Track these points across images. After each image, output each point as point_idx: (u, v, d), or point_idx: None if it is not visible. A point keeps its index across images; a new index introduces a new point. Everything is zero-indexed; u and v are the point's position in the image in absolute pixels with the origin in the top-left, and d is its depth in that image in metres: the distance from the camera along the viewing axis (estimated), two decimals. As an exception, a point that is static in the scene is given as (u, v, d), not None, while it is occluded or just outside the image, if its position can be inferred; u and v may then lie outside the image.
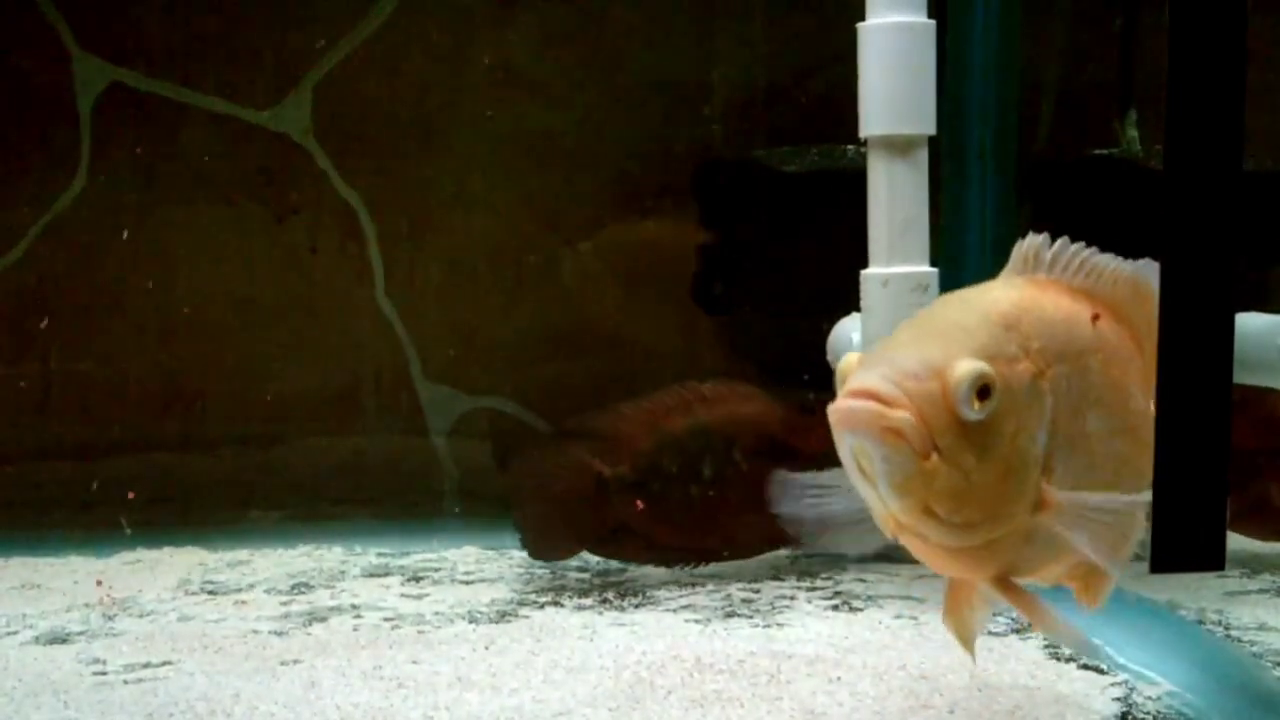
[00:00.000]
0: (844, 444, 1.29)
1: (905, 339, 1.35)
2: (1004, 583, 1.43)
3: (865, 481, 1.32)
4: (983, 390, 1.28)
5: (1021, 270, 1.46)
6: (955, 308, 1.40)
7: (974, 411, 1.27)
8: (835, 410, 1.27)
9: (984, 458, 1.30)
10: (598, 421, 2.29)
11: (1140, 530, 1.48)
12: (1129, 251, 1.81)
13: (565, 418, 2.39)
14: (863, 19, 2.09)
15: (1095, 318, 1.47)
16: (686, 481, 2.26)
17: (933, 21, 2.08)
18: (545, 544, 2.30)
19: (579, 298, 2.82)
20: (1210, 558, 1.28)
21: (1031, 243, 1.46)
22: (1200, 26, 1.48)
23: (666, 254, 2.79)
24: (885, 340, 1.37)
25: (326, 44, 2.74)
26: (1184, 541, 1.28)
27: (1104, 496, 1.38)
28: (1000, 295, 1.41)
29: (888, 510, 1.34)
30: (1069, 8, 2.78)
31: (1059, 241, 1.46)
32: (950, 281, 2.18)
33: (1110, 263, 1.49)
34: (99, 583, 2.29)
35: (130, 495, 2.60)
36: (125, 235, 2.73)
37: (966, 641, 1.53)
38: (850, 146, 2.57)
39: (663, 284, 2.80)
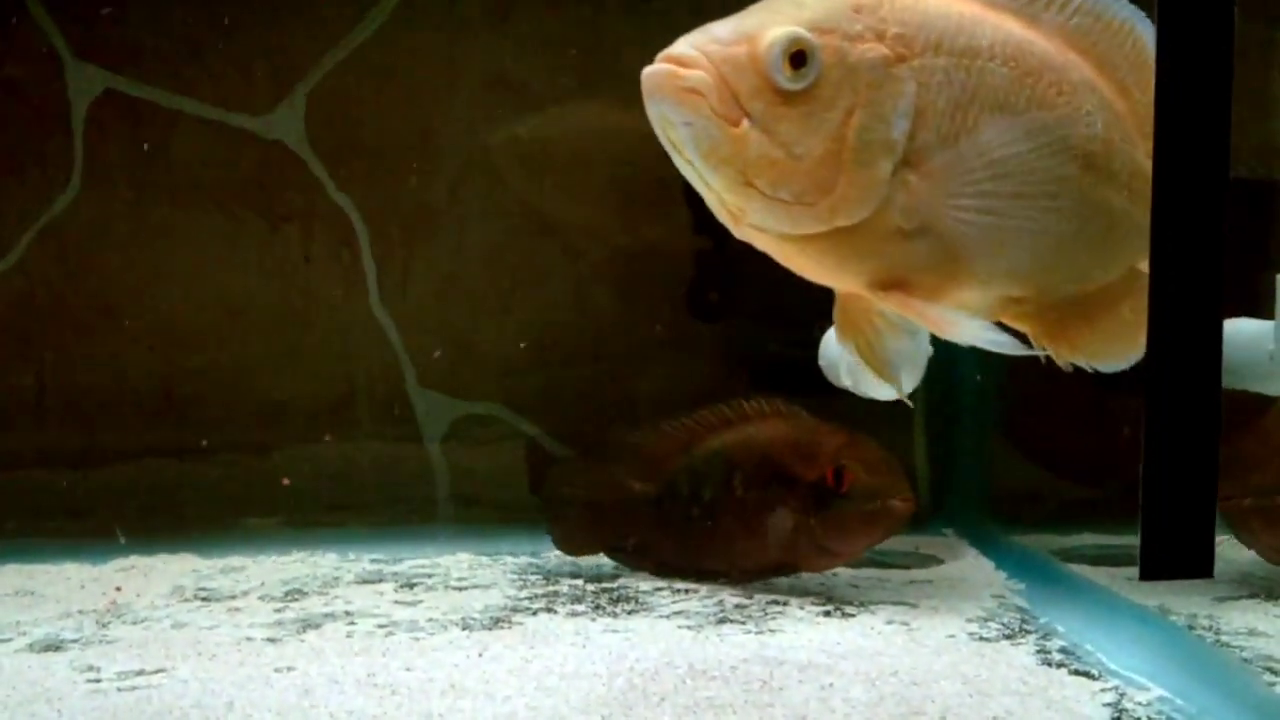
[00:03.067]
0: (653, 115, 1.26)
1: (736, 16, 1.31)
2: (888, 292, 1.37)
3: (684, 162, 1.28)
4: (797, 57, 1.24)
5: None
6: None
7: (787, 78, 1.23)
8: (643, 77, 1.25)
9: (808, 131, 1.25)
10: (642, 437, 2.40)
11: (1061, 254, 1.43)
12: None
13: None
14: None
15: None
16: (692, 503, 2.32)
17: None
18: (569, 545, 2.45)
19: (573, 305, 2.83)
20: (1199, 565, 1.29)
21: None
22: (1188, 36, 1.49)
23: (660, 262, 2.79)
24: None
25: (320, 52, 2.74)
26: (1173, 549, 1.30)
27: (979, 163, 1.33)
28: None
29: (710, 190, 1.29)
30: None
31: None
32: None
33: None
34: (118, 589, 2.29)
35: (125, 507, 2.62)
36: (119, 242, 2.74)
37: (880, 369, 1.48)
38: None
39: (657, 292, 2.80)
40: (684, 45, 1.25)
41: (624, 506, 2.39)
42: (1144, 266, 1.59)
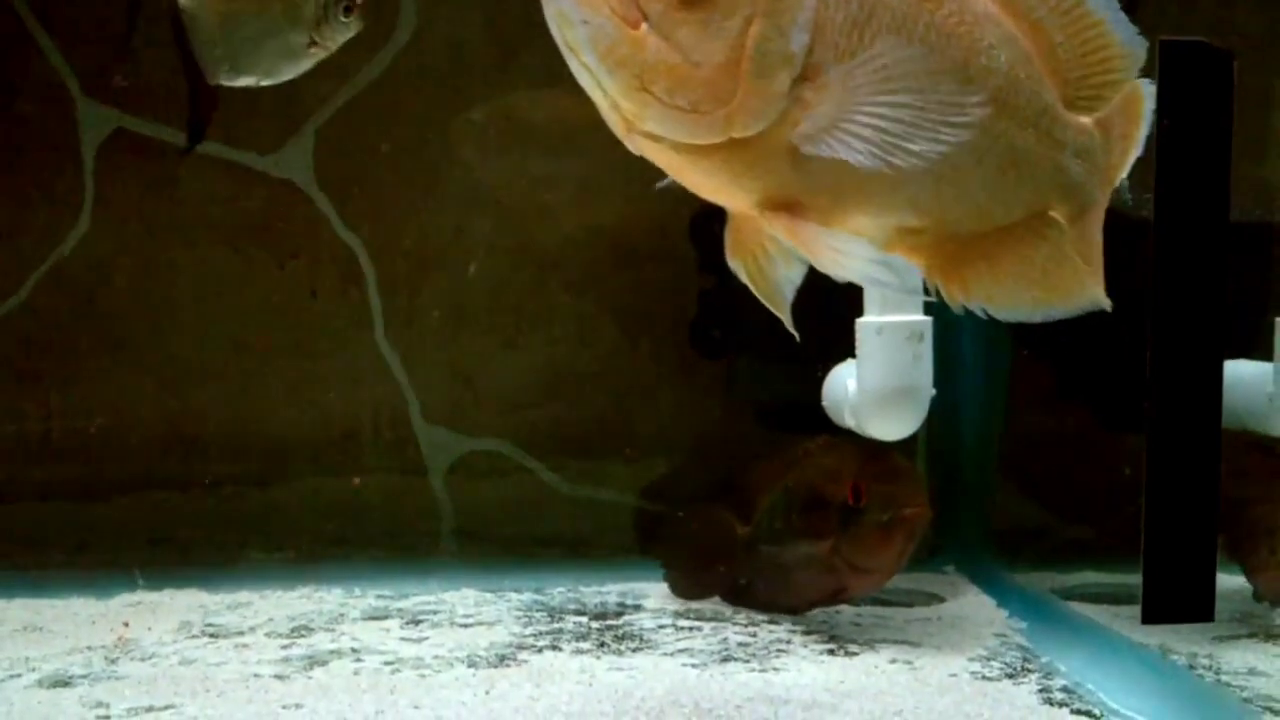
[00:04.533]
0: (551, 17, 1.24)
1: None
2: (777, 214, 1.34)
3: (579, 66, 1.25)
4: None
5: None
6: None
7: None
8: None
9: (706, 37, 1.23)
10: (742, 476, 2.43)
11: (959, 185, 1.41)
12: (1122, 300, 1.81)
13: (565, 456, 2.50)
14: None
15: None
16: (770, 539, 2.34)
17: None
18: (682, 592, 2.49)
19: (577, 341, 2.85)
20: (1200, 609, 1.31)
21: None
22: (1188, 83, 1.52)
23: (664, 299, 2.81)
24: None
25: (329, 91, 2.77)
26: (1174, 592, 1.31)
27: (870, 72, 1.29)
28: None
29: (605, 95, 1.26)
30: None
31: None
32: (943, 328, 2.22)
33: None
34: (126, 624, 2.31)
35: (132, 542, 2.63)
36: (128, 279, 2.76)
37: (770, 295, 1.44)
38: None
39: (661, 329, 2.83)
40: None
41: (727, 549, 2.41)
42: (1057, 214, 1.56)
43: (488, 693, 1.86)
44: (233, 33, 2.20)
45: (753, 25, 1.24)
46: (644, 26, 1.21)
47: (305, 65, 2.25)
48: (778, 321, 1.49)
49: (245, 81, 2.25)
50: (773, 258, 1.43)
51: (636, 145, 1.32)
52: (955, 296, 1.50)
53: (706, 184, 1.35)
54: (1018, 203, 1.50)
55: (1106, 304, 1.55)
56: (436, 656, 2.09)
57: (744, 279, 1.44)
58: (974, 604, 2.48)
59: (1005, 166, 1.43)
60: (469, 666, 2.03)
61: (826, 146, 1.29)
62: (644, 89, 1.24)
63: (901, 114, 1.32)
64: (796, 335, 1.46)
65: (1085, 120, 1.54)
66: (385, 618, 2.38)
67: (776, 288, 1.43)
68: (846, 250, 1.34)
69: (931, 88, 1.35)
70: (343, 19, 2.20)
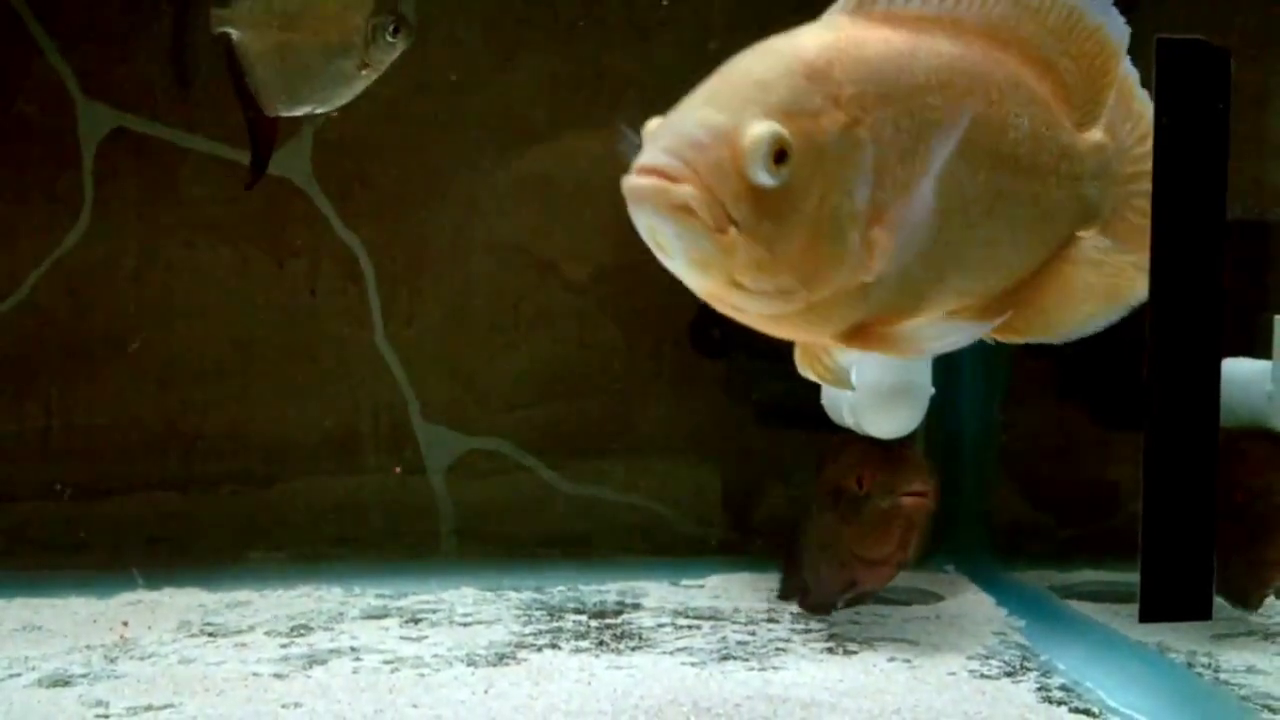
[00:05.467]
0: (639, 222, 1.21)
1: (698, 97, 1.25)
2: (856, 338, 1.35)
3: (668, 259, 1.24)
4: (779, 154, 1.19)
5: (853, 8, 1.33)
6: (755, 58, 1.29)
7: (770, 177, 1.19)
8: (626, 188, 1.20)
9: (788, 223, 1.21)
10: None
11: (1002, 257, 1.42)
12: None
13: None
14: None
15: None
16: (804, 538, 2.35)
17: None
18: (809, 607, 2.40)
19: (576, 340, 2.85)
20: (1197, 607, 1.31)
21: None
22: (1185, 81, 1.52)
23: (663, 298, 2.81)
24: (685, 98, 1.27)
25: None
26: (1171, 591, 1.31)
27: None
28: (809, 41, 1.29)
29: (693, 282, 1.26)
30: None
31: None
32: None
33: None
34: (125, 623, 2.31)
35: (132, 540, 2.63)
36: (128, 278, 2.76)
37: (838, 383, 1.48)
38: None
39: (660, 328, 2.83)
40: (664, 154, 1.20)
41: (792, 554, 2.41)
42: (1084, 233, 1.58)
43: (487, 691, 1.87)
44: (287, 62, 2.20)
45: (826, 199, 1.23)
46: (732, 230, 1.19)
47: (358, 88, 2.25)
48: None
49: (302, 110, 2.26)
50: (834, 354, 1.45)
51: (720, 309, 1.33)
52: (1014, 339, 1.53)
53: (787, 331, 1.37)
54: (1051, 243, 1.53)
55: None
56: (436, 655, 2.09)
57: (813, 378, 1.46)
58: (973, 602, 2.48)
59: (1039, 220, 1.45)
60: (468, 665, 2.03)
61: (892, 273, 1.30)
62: (732, 284, 1.24)
63: (955, 223, 1.34)
64: (853, 389, 1.50)
65: (1097, 135, 1.53)
66: (384, 617, 2.38)
67: (840, 375, 1.46)
68: (915, 340, 1.37)
69: (975, 188, 1.36)
70: (389, 38, 2.20)
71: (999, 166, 1.39)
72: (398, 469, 2.80)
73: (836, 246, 1.25)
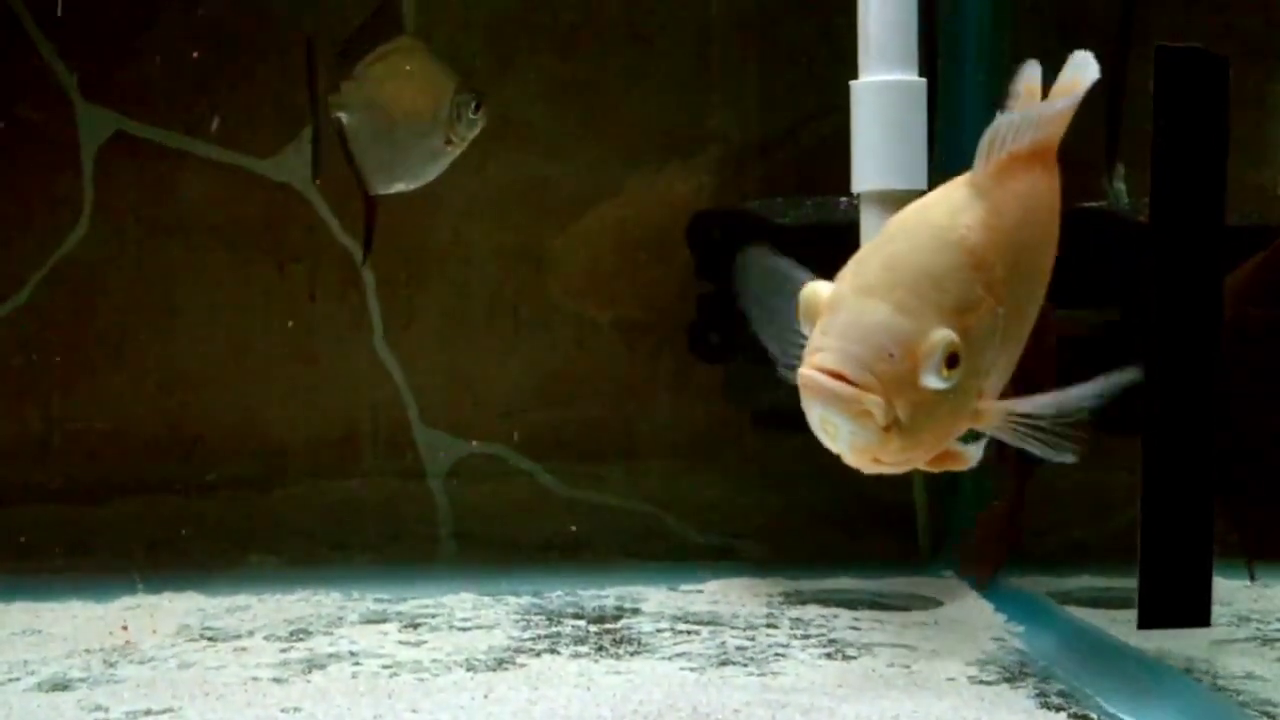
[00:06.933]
0: (812, 411, 1.28)
1: (874, 288, 1.29)
2: (937, 462, 1.41)
3: (830, 440, 1.31)
4: (951, 359, 1.26)
5: (988, 157, 1.37)
6: (924, 243, 1.33)
7: (942, 382, 1.26)
8: (807, 382, 1.26)
9: (937, 414, 1.29)
10: None
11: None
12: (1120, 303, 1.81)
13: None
14: (855, 73, 2.13)
15: None
16: None
17: (924, 80, 2.11)
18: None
19: (575, 345, 2.85)
20: (1196, 614, 1.31)
21: (993, 130, 1.37)
22: (1184, 90, 1.52)
23: (662, 303, 2.82)
24: (854, 275, 1.32)
25: (327, 94, 2.77)
26: (1170, 598, 1.32)
27: (1038, 402, 1.35)
28: (969, 219, 1.34)
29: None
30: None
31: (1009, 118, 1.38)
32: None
33: (1050, 106, 1.43)
34: (125, 627, 2.31)
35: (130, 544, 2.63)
36: (127, 282, 2.77)
37: (975, 456, 1.50)
38: (844, 199, 2.60)
39: (659, 332, 2.83)
40: (853, 364, 1.25)
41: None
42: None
43: (486, 696, 1.87)
44: (385, 143, 2.28)
45: (968, 381, 1.30)
46: (895, 427, 1.27)
47: (444, 165, 2.34)
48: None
49: (397, 188, 2.34)
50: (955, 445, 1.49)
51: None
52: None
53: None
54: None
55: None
56: (435, 660, 2.09)
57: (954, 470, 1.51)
58: (972, 608, 2.48)
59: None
60: (467, 670, 2.03)
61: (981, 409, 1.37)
62: (878, 461, 1.32)
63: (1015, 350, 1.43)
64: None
65: None
66: (383, 621, 2.38)
67: (973, 453, 1.47)
68: (977, 457, 1.44)
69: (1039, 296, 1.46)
70: (472, 115, 2.30)
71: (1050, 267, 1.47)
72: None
73: (965, 414, 1.33)
